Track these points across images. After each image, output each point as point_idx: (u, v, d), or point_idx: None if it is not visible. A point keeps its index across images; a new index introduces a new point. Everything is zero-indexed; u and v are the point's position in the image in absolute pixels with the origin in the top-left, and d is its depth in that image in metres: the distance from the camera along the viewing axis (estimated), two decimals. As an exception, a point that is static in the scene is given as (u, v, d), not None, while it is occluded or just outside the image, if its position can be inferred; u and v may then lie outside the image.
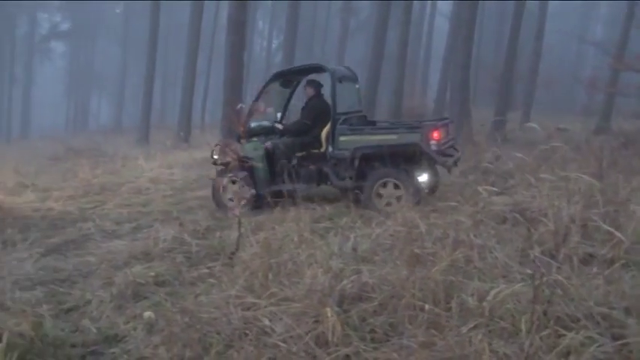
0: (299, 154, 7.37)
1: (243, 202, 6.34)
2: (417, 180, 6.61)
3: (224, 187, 7.18)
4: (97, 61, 44.81)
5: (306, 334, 2.92)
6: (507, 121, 16.43)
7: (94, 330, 3.38)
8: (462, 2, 18.26)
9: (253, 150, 7.28)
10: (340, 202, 6.32)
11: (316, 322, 3.03)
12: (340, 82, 7.31)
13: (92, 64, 43.61)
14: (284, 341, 2.87)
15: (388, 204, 6.53)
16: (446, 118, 8.48)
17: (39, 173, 12.47)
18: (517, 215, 4.66)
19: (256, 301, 3.37)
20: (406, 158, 6.67)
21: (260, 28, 39.79)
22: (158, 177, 11.02)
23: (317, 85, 7.69)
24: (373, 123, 8.08)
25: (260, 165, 7.21)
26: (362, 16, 32.00)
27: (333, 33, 31.32)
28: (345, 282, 3.45)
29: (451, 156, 7.08)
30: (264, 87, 7.77)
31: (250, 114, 7.13)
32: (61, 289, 4.30)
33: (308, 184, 7.15)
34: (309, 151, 7.42)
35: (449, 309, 3.05)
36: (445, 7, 29.79)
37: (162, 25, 22.55)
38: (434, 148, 6.48)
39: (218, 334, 3.02)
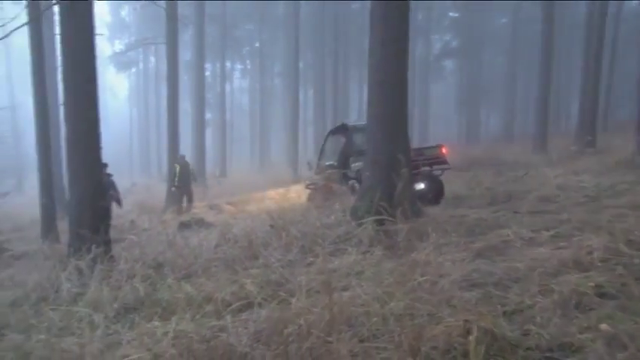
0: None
1: None
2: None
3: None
4: (485, 74, 46.01)
5: None
6: None
7: (546, 336, 3.31)
8: None
9: None
10: None
11: None
12: (357, 132, 11.91)
13: (480, 77, 44.96)
14: None
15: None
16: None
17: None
18: None
19: None
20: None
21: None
22: (566, 184, 10.59)
23: (346, 135, 12.38)
24: None
25: None
26: None
27: None
28: None
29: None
30: (325, 142, 13.53)
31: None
32: (496, 292, 4.38)
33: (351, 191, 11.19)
34: (347, 173, 11.99)
35: None
36: None
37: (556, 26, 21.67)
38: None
39: None
